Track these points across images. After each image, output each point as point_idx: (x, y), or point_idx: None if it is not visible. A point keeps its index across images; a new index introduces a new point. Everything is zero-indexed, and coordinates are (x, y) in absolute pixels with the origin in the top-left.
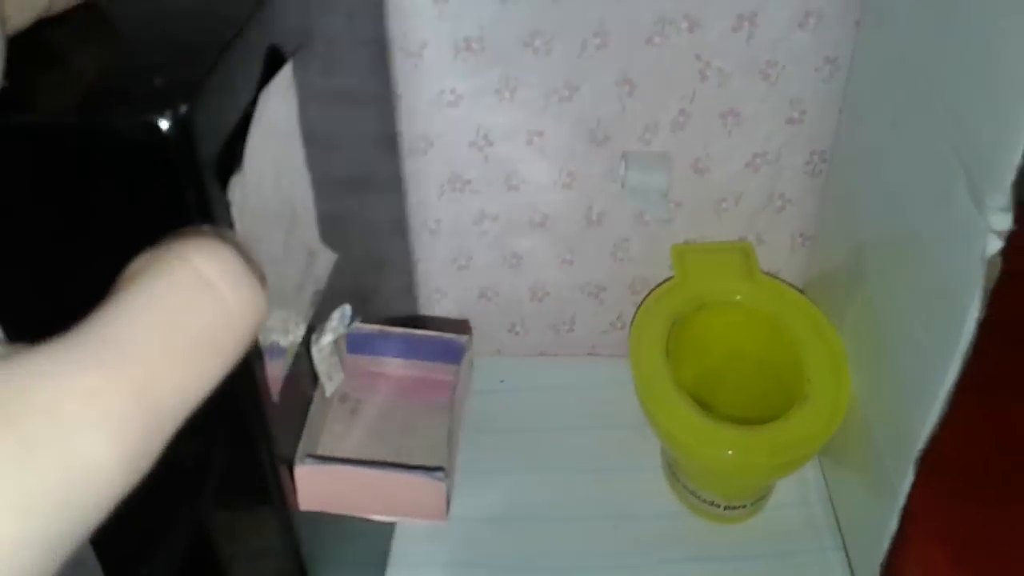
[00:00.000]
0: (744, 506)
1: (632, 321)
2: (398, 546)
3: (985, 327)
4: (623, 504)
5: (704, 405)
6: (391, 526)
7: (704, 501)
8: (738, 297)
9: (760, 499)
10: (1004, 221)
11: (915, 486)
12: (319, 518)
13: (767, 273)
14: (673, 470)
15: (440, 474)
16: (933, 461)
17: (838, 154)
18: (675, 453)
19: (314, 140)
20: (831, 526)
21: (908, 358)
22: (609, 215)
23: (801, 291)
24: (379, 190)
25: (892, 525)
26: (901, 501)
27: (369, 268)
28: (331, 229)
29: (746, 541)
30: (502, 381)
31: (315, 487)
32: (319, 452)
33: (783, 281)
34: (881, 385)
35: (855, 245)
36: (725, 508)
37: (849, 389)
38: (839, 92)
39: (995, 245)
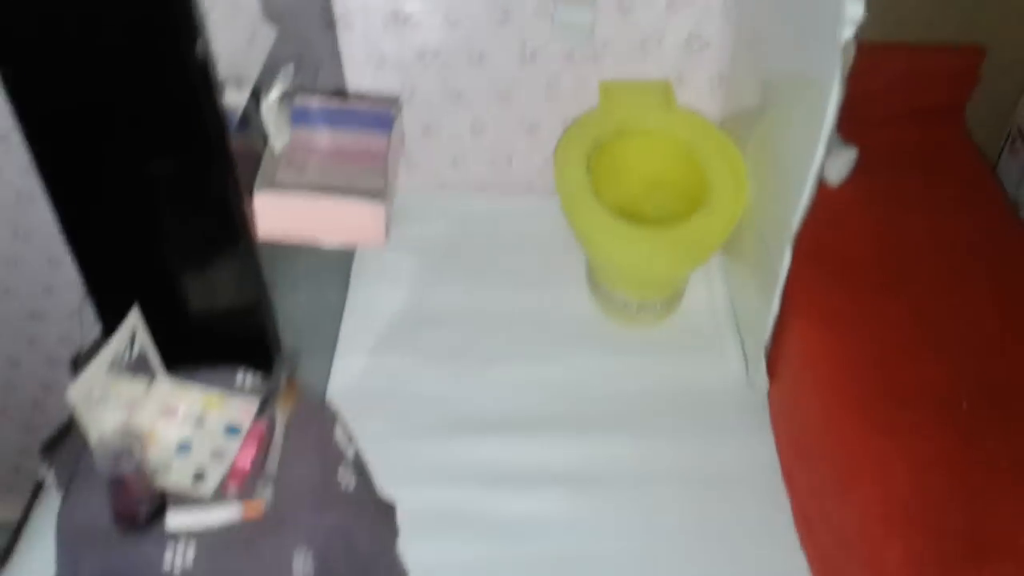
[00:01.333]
0: (655, 307)
1: (558, 143)
2: (347, 329)
3: (878, 154)
4: (548, 310)
5: None
6: (340, 310)
7: (618, 303)
8: (654, 125)
9: (670, 300)
10: (856, 10)
11: (797, 275)
12: (277, 257)
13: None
14: (594, 279)
15: (379, 200)
16: (815, 254)
17: None
18: (593, 254)
19: None
20: (731, 323)
21: (788, 157)
22: (542, 53)
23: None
24: (322, 25)
25: (775, 307)
26: (781, 281)
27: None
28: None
29: (656, 338)
30: (444, 215)
31: (272, 215)
32: None
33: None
34: (769, 188)
35: (761, 82)
36: (638, 309)
37: (746, 198)
38: None
39: (849, 31)
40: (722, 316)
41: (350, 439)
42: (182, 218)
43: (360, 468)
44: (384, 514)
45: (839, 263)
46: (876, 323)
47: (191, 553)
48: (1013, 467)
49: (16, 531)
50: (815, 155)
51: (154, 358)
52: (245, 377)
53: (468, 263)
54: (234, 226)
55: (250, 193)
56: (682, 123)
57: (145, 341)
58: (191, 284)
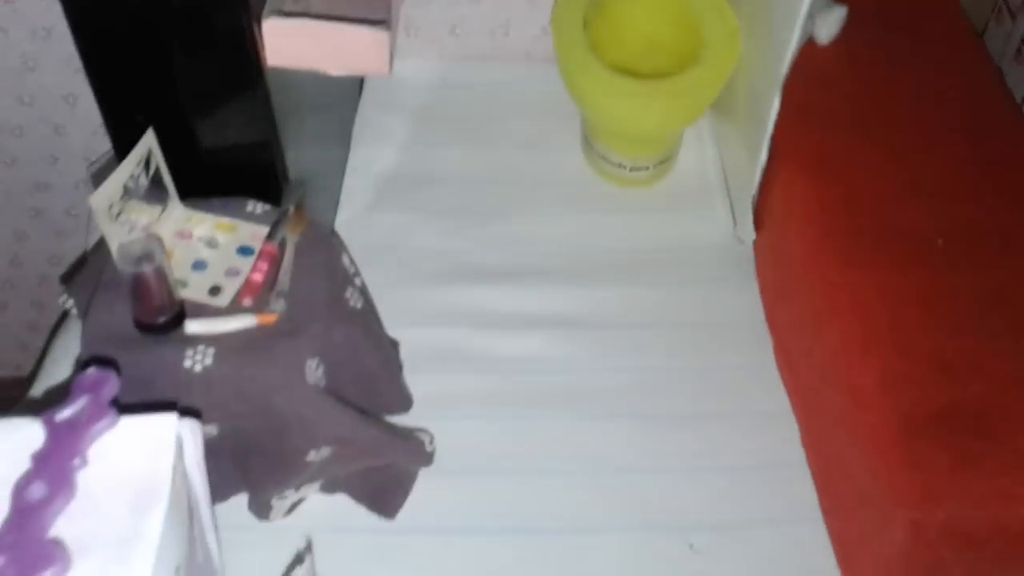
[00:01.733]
0: (647, 168)
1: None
2: (348, 187)
3: (868, 16)
4: (543, 172)
5: None
6: (342, 169)
7: (613, 164)
8: None
9: (662, 162)
10: None
11: (784, 129)
12: (286, 86)
13: None
14: (589, 141)
15: (382, 26)
16: (802, 109)
17: None
18: (588, 111)
19: None
20: (721, 184)
21: (779, 9)
22: None
23: None
24: None
25: (763, 157)
26: (769, 131)
27: None
28: None
29: (648, 198)
30: (443, 83)
31: (279, 42)
32: None
33: None
34: (760, 45)
35: None
36: (631, 170)
37: (739, 53)
38: None
39: None
40: (712, 178)
41: (356, 269)
42: (196, 46)
43: (366, 295)
44: (390, 343)
45: (825, 116)
46: (859, 170)
47: (210, 355)
48: (983, 298)
49: (41, 356)
50: (803, 4)
51: (168, 181)
52: (255, 207)
53: (465, 128)
54: (246, 54)
55: (258, 22)
56: None
57: (160, 163)
58: (203, 114)
